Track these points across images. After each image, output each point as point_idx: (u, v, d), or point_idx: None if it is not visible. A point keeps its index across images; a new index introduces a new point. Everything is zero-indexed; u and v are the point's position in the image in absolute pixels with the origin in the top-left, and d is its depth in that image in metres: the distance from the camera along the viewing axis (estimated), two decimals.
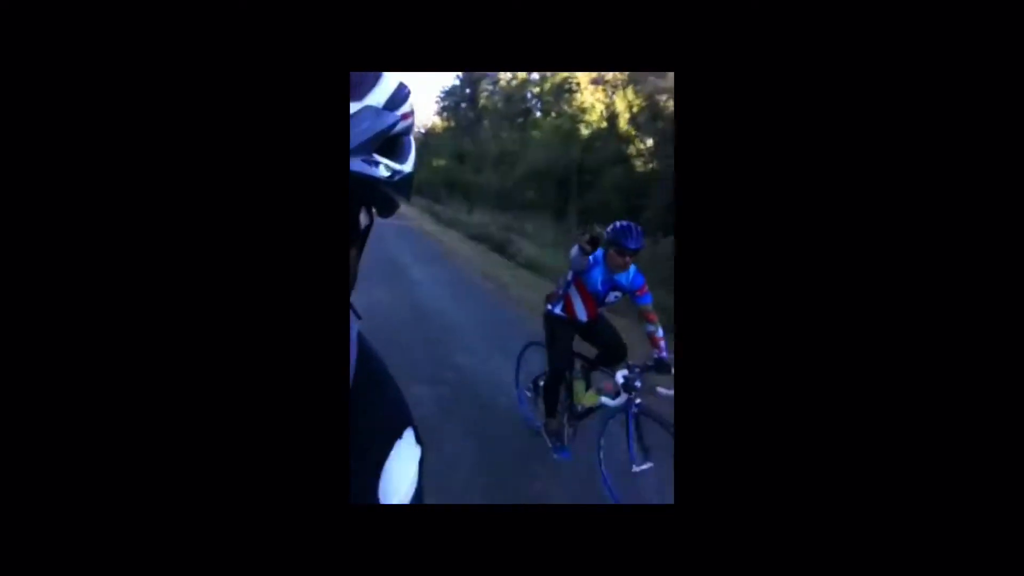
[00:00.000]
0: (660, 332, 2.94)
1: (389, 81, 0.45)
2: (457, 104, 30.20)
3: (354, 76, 0.44)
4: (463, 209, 18.99)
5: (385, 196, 0.46)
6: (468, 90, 29.17)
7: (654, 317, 3.00)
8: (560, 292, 3.20)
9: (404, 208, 0.53)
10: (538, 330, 3.55)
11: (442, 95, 31.13)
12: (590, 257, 2.85)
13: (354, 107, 0.43)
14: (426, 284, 7.86)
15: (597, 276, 3.02)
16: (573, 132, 18.77)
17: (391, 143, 0.45)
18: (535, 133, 21.59)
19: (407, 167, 0.47)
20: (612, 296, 3.12)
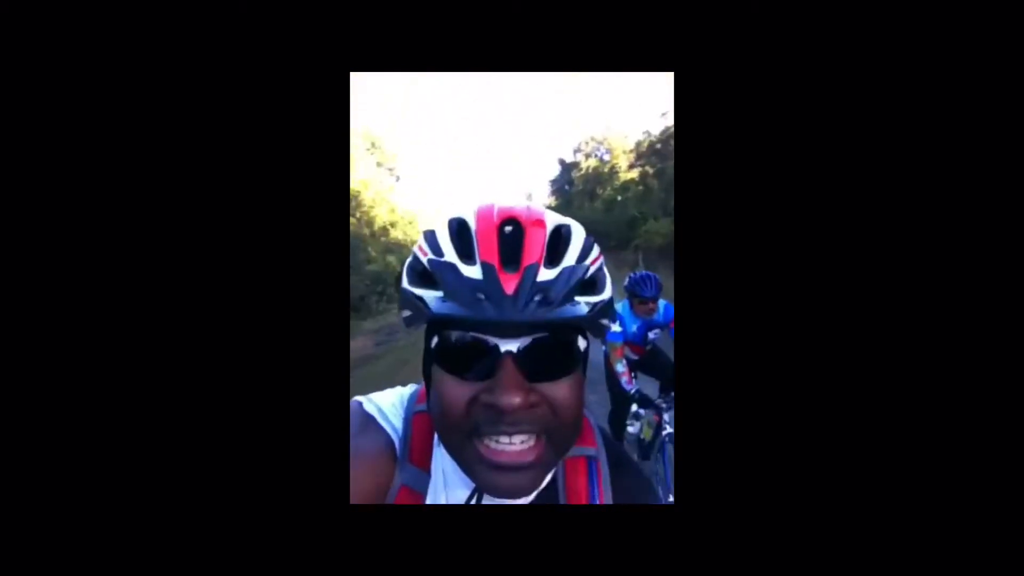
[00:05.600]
0: None
1: (577, 240, 0.55)
2: (561, 187, 43.78)
3: (550, 244, 0.53)
4: None
5: (592, 323, 0.54)
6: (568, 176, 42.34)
7: None
8: (622, 370, 3.31)
9: None
10: None
11: (552, 183, 46.08)
12: (615, 316, 3.12)
13: (554, 272, 0.51)
14: None
15: (630, 325, 3.34)
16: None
17: (589, 283, 0.54)
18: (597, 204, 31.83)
19: (604, 295, 0.55)
20: (652, 334, 3.44)
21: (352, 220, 24.11)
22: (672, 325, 3.31)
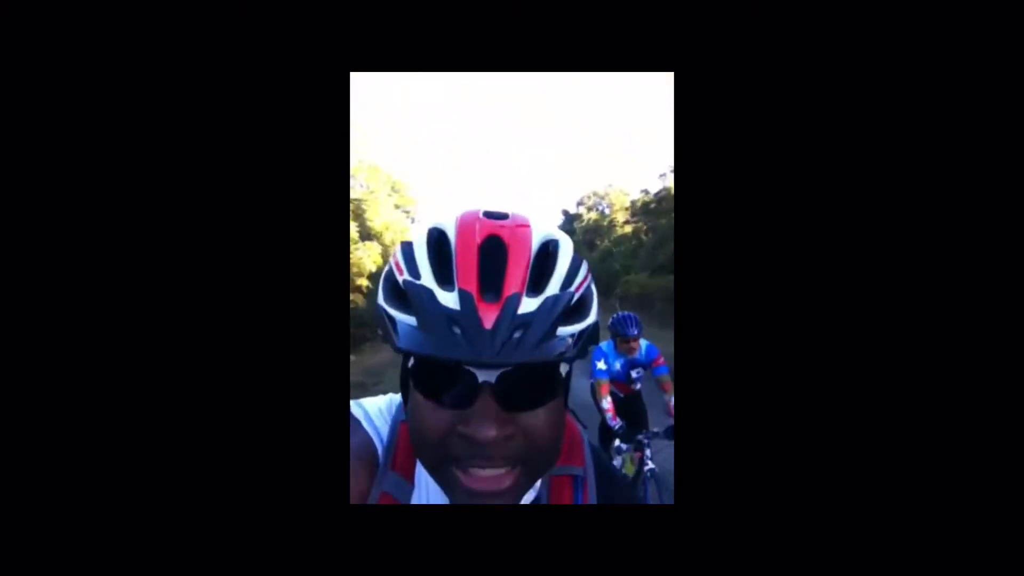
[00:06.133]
0: (674, 401, 3.35)
1: (564, 260, 0.52)
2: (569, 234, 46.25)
3: (535, 267, 0.50)
4: None
5: (578, 350, 0.51)
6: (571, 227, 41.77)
7: (670, 387, 3.51)
8: (607, 406, 3.47)
9: None
10: None
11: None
12: (600, 354, 3.48)
13: (537, 301, 0.48)
14: None
15: (614, 363, 3.53)
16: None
17: (575, 309, 0.51)
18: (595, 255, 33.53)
19: (590, 320, 0.52)
20: (636, 373, 3.62)
21: (381, 256, 25.23)
22: (655, 364, 3.52)
